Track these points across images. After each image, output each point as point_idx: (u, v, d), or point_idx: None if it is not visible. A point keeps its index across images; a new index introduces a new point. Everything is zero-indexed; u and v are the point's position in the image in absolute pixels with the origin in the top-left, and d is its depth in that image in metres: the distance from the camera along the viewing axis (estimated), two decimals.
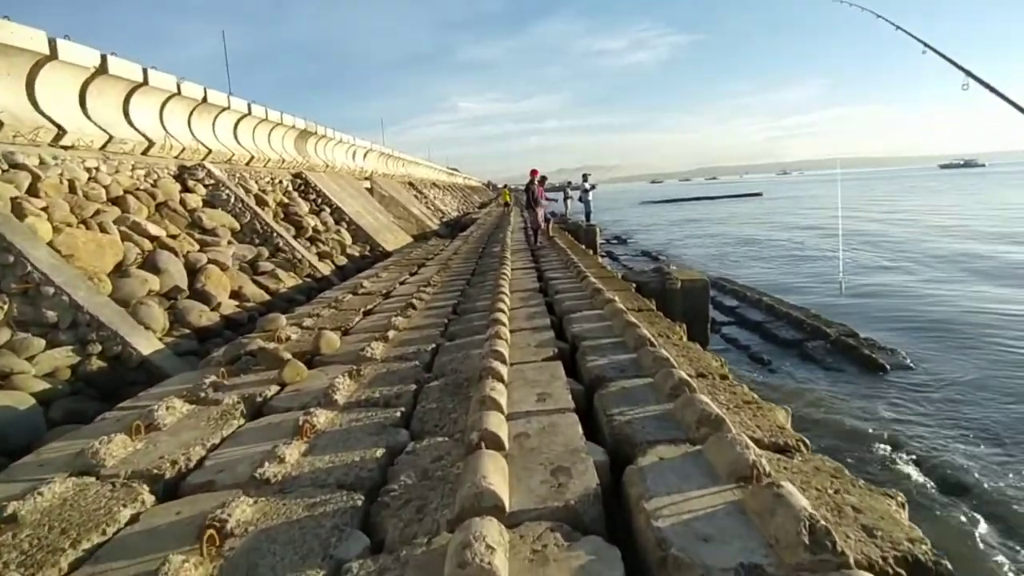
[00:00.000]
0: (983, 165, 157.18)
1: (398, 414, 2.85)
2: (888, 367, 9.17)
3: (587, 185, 18.96)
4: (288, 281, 9.48)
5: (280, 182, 14.54)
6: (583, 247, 11.69)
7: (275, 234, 10.59)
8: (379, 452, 2.43)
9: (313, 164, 17.05)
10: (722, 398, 2.75)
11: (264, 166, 14.19)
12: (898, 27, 6.22)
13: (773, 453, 2.21)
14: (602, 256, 16.71)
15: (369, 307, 5.81)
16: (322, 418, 2.77)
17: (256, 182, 13.33)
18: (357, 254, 14.03)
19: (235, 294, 8.11)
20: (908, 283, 15.72)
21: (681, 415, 2.43)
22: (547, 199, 11.63)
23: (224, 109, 12.32)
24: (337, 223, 14.92)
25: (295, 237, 12.46)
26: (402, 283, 7.59)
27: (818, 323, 10.82)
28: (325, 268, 10.84)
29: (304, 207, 14.31)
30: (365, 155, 22.93)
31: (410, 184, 29.49)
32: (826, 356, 9.74)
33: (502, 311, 4.39)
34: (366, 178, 21.61)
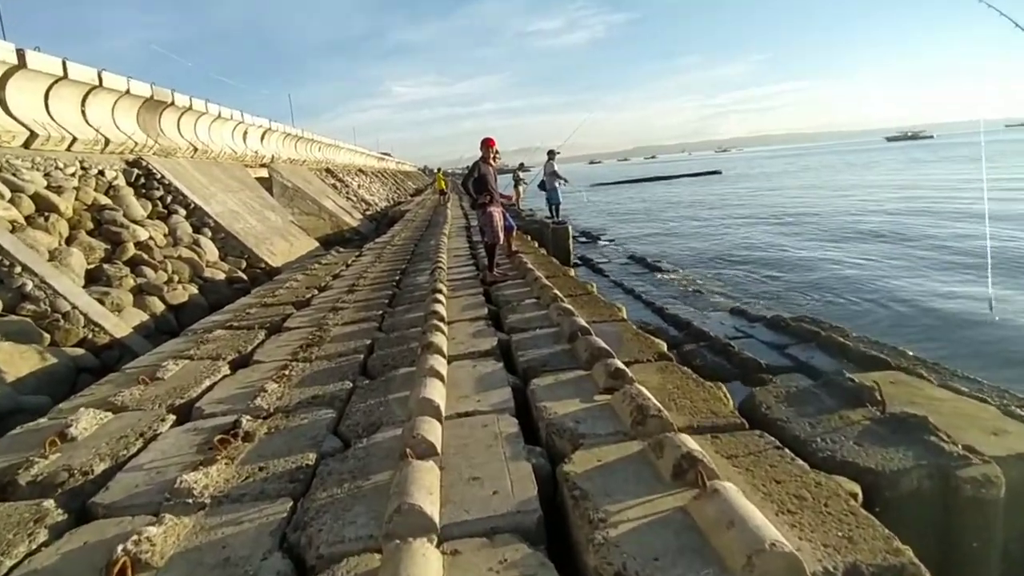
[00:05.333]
0: (931, 136, 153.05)
1: None
2: None
3: (556, 166, 13.59)
4: (17, 366, 4.90)
5: (100, 173, 9.66)
6: (562, 267, 7.55)
7: (21, 270, 5.90)
8: None
9: (169, 147, 12.09)
10: None
11: (67, 149, 9.27)
12: None
13: None
14: (576, 264, 12.61)
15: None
16: None
17: (45, 174, 8.47)
18: (222, 277, 9.42)
19: None
20: None
21: None
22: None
23: None
24: (197, 231, 10.20)
25: (105, 261, 7.77)
26: (202, 393, 3.18)
27: None
28: (121, 326, 6.24)
29: (140, 209, 9.52)
30: (263, 136, 17.83)
31: (328, 171, 24.33)
32: None
33: None
34: (263, 165, 16.62)
